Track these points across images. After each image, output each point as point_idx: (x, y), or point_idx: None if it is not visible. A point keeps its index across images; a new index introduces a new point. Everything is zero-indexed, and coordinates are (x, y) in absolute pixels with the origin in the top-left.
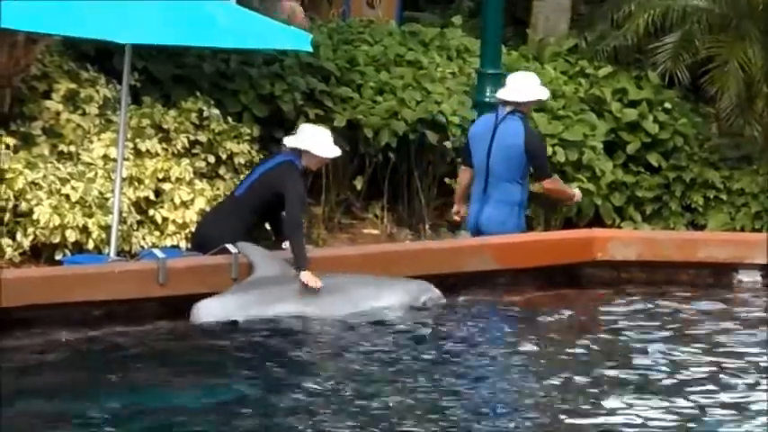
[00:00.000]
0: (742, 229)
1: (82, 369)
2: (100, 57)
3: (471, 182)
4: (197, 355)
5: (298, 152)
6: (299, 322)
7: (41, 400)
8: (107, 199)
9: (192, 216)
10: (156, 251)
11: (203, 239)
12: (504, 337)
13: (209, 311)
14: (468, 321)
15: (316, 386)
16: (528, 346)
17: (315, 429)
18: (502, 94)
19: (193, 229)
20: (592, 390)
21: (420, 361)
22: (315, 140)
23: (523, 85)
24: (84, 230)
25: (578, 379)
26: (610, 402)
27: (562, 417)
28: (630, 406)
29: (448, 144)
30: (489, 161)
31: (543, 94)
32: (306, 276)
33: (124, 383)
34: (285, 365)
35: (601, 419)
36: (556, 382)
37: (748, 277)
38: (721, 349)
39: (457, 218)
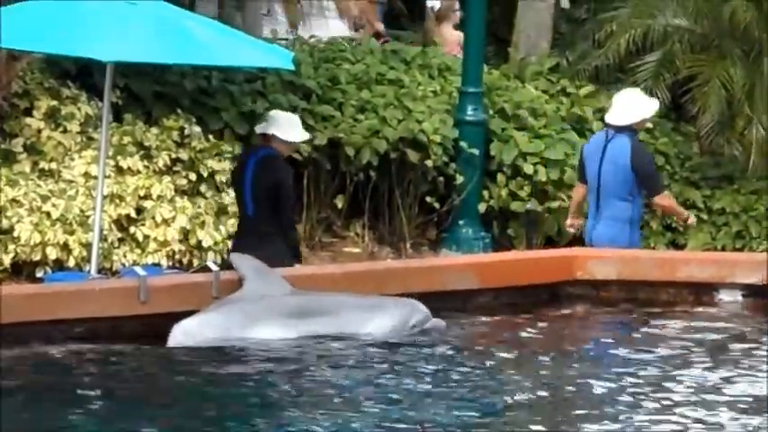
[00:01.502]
0: (723, 249)
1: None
2: (81, 74)
3: (584, 197)
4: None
5: (268, 139)
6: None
7: None
8: (88, 216)
9: (172, 234)
10: (137, 269)
11: None
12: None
13: (186, 333)
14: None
15: None
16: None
17: None
18: (609, 118)
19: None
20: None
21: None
22: (282, 126)
23: (628, 106)
24: (65, 248)
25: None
26: None
27: None
28: None
29: (429, 163)
30: (600, 179)
31: (649, 110)
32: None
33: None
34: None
35: None
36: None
37: (729, 297)
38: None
39: (571, 230)
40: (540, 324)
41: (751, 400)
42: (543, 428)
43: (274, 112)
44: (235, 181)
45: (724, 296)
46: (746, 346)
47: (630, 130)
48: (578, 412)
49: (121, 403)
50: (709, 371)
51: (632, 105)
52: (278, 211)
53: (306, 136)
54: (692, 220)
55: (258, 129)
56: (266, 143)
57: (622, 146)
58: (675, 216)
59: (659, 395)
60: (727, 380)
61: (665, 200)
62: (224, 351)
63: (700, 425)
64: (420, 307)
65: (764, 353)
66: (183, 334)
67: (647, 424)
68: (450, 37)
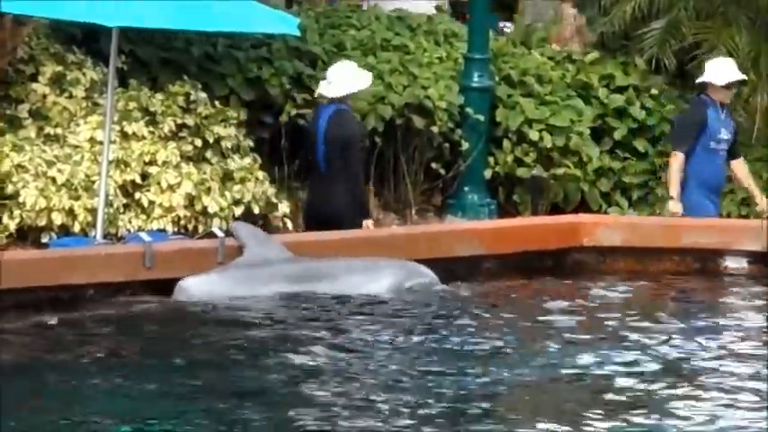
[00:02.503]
0: (728, 216)
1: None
2: (87, 39)
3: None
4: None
5: (340, 99)
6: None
7: None
8: (93, 182)
9: (178, 200)
10: (143, 234)
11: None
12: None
13: (192, 290)
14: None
15: None
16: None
17: None
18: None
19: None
20: None
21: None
22: (332, 82)
23: (712, 68)
24: (71, 213)
25: None
26: None
27: None
28: None
29: (435, 129)
30: None
31: (728, 75)
32: (369, 223)
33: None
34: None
35: None
36: None
37: (734, 263)
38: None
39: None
40: None
41: None
42: None
43: (334, 70)
44: (307, 138)
45: (729, 263)
46: None
47: (706, 94)
48: None
49: None
50: None
51: (715, 69)
52: (347, 166)
53: (369, 77)
54: (677, 208)
55: (329, 92)
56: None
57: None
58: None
59: None
60: None
61: (673, 160)
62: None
63: None
64: (421, 270)
65: None
66: (186, 290)
67: None
68: None
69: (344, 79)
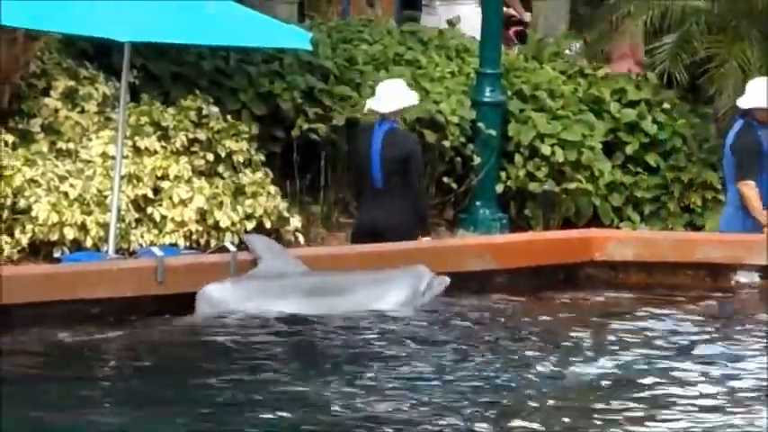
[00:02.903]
0: None
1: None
2: (99, 54)
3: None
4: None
5: (393, 114)
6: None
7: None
8: (106, 197)
9: (190, 214)
10: (155, 249)
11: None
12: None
13: (209, 301)
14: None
15: None
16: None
17: None
18: (739, 101)
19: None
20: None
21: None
22: (379, 98)
23: (752, 91)
24: (83, 228)
25: None
26: None
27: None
28: None
29: (446, 143)
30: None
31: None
32: (428, 238)
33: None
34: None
35: None
36: None
37: (746, 278)
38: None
39: None
40: None
41: None
42: None
43: (384, 87)
44: (360, 156)
45: (741, 278)
46: None
47: (750, 116)
48: None
49: None
50: None
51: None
52: (407, 182)
53: (415, 96)
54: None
55: (380, 108)
56: (385, 117)
57: (733, 130)
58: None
59: None
60: None
61: (747, 189)
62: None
63: None
64: (423, 270)
65: None
66: (207, 297)
67: None
68: None
69: (394, 95)
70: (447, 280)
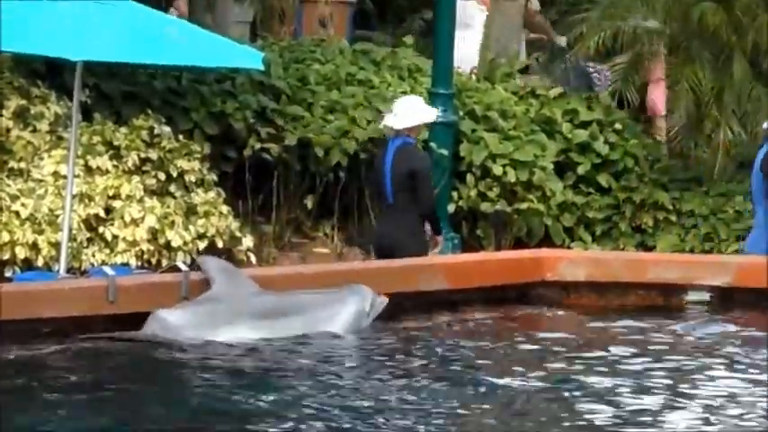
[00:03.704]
0: (691, 251)
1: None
2: (51, 73)
3: None
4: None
5: (406, 130)
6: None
7: None
8: (57, 216)
9: (141, 234)
10: (106, 268)
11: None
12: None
13: (160, 325)
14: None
15: None
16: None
17: None
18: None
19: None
20: None
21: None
22: (397, 114)
23: None
24: (34, 247)
25: None
26: None
27: None
28: None
29: None
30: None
31: None
32: (440, 240)
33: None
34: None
35: None
36: None
37: (697, 298)
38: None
39: None
40: None
41: None
42: None
43: (401, 103)
44: (376, 170)
45: (692, 298)
46: None
47: None
48: None
49: None
50: None
51: None
52: (415, 199)
53: (434, 112)
54: None
55: (395, 124)
56: (399, 134)
57: (763, 150)
58: None
59: None
60: None
61: None
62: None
63: None
64: (366, 290)
65: None
66: (158, 326)
67: None
68: None
69: (409, 112)
70: (385, 300)
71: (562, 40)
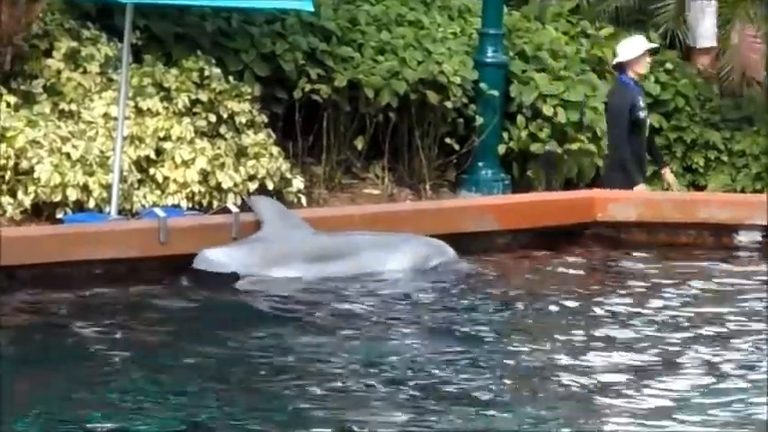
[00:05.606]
0: (743, 191)
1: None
2: (101, 15)
3: None
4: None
5: (622, 67)
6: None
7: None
8: (108, 158)
9: (192, 175)
10: (158, 210)
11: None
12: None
13: (211, 261)
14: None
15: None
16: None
17: None
18: None
19: None
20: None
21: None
22: (626, 49)
23: None
24: (85, 189)
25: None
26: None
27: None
28: None
29: (449, 104)
30: None
31: None
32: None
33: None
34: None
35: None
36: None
37: (748, 238)
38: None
39: None
40: None
41: None
42: None
43: (623, 44)
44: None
45: (743, 238)
46: None
47: None
48: None
49: None
50: None
51: None
52: (611, 133)
53: (646, 44)
54: None
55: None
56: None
57: None
58: None
59: None
60: None
61: None
62: None
63: None
64: (445, 249)
65: None
66: (206, 261)
67: None
68: None
69: (620, 51)
70: (466, 267)
71: None
